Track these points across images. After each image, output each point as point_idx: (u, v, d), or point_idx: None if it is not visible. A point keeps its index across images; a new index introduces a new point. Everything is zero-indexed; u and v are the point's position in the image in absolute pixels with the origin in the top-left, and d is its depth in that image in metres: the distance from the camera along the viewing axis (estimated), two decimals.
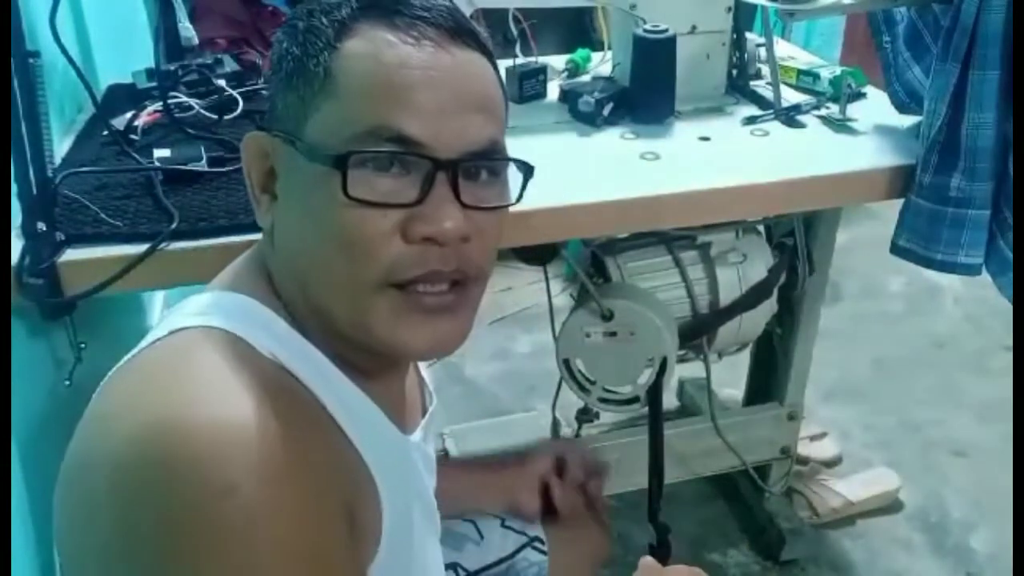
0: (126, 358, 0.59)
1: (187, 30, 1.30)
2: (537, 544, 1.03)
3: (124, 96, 1.23)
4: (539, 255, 1.17)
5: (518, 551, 1.02)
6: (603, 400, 1.17)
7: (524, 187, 0.66)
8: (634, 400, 1.16)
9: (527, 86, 1.31)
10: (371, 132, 0.58)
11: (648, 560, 0.85)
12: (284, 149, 0.62)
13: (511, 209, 0.66)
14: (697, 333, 1.28)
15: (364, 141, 0.58)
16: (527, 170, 0.66)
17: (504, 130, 0.64)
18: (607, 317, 1.12)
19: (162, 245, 0.89)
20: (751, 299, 1.26)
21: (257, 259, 0.67)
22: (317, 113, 0.60)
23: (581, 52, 1.48)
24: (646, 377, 1.14)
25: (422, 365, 0.86)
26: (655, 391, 1.14)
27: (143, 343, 0.60)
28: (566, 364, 1.14)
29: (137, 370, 0.58)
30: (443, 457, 1.68)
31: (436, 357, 0.64)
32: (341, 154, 0.57)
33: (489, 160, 0.62)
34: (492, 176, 0.63)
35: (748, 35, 1.34)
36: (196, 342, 0.58)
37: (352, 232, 0.58)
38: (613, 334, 1.12)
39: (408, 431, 0.74)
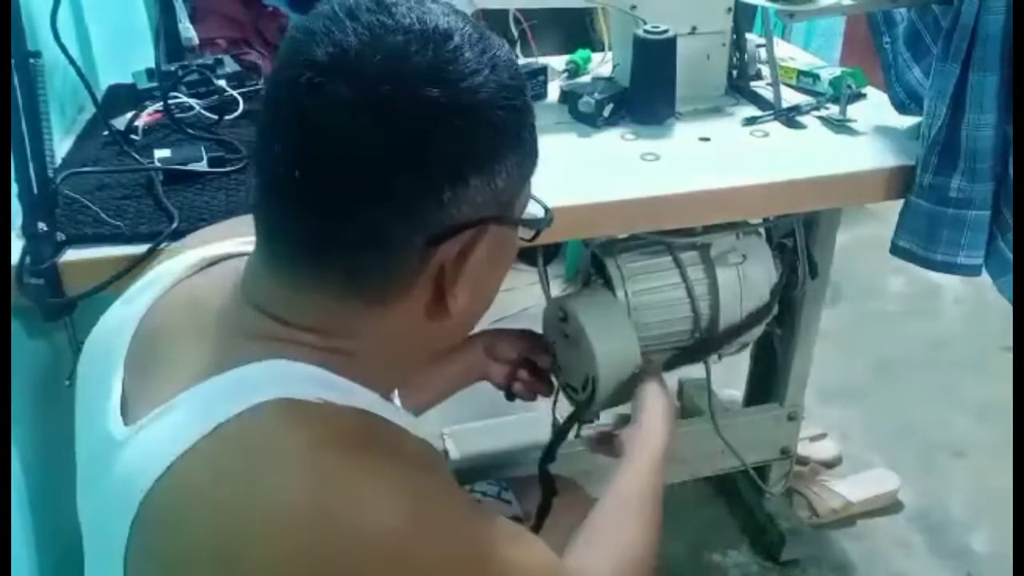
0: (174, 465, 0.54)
1: (187, 31, 1.30)
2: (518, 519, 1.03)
3: (125, 96, 1.23)
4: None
5: None
6: (564, 392, 1.17)
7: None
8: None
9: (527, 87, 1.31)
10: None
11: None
12: (498, 229, 0.61)
13: None
14: (703, 352, 1.27)
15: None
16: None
17: None
18: (562, 318, 1.12)
19: (162, 245, 0.89)
20: (755, 319, 1.26)
21: (239, 327, 0.61)
22: (525, 184, 0.63)
23: (581, 53, 1.48)
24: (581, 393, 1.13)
25: None
26: (575, 414, 1.14)
27: (176, 451, 0.54)
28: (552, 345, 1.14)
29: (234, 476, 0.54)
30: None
31: None
32: (548, 216, 0.67)
33: None
34: None
35: (748, 36, 1.34)
36: (278, 419, 0.55)
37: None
38: (567, 336, 1.12)
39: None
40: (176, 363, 0.61)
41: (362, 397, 0.60)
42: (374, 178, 0.54)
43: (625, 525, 0.84)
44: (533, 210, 0.66)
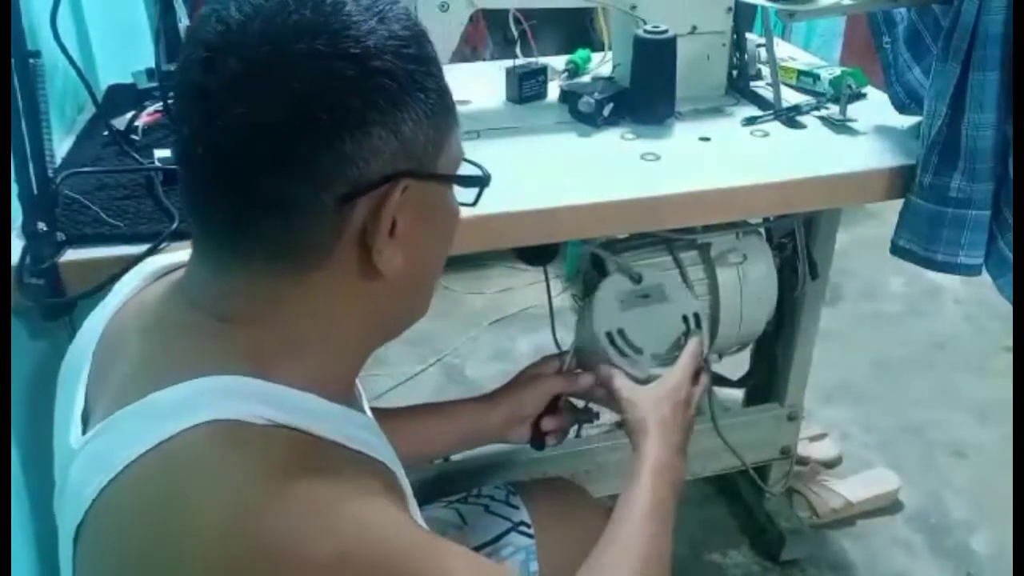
0: (110, 483, 0.54)
1: None
2: (522, 528, 1.03)
3: (125, 96, 1.23)
4: (539, 255, 1.17)
5: (502, 536, 1.01)
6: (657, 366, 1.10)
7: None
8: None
9: (527, 86, 1.31)
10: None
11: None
12: (419, 186, 0.60)
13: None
14: None
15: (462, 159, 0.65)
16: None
17: None
18: (636, 280, 1.10)
19: (162, 245, 0.89)
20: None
21: (175, 327, 0.62)
22: (447, 143, 0.62)
23: (581, 53, 1.48)
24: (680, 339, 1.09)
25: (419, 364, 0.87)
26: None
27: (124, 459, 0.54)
28: (608, 337, 1.07)
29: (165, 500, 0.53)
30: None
31: None
32: (485, 175, 0.64)
33: None
34: None
35: (748, 36, 1.34)
36: (209, 444, 0.54)
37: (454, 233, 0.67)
38: (646, 296, 1.11)
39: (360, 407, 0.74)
40: (123, 372, 0.61)
41: (307, 406, 0.59)
42: (271, 142, 0.54)
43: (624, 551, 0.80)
44: (470, 172, 0.65)
